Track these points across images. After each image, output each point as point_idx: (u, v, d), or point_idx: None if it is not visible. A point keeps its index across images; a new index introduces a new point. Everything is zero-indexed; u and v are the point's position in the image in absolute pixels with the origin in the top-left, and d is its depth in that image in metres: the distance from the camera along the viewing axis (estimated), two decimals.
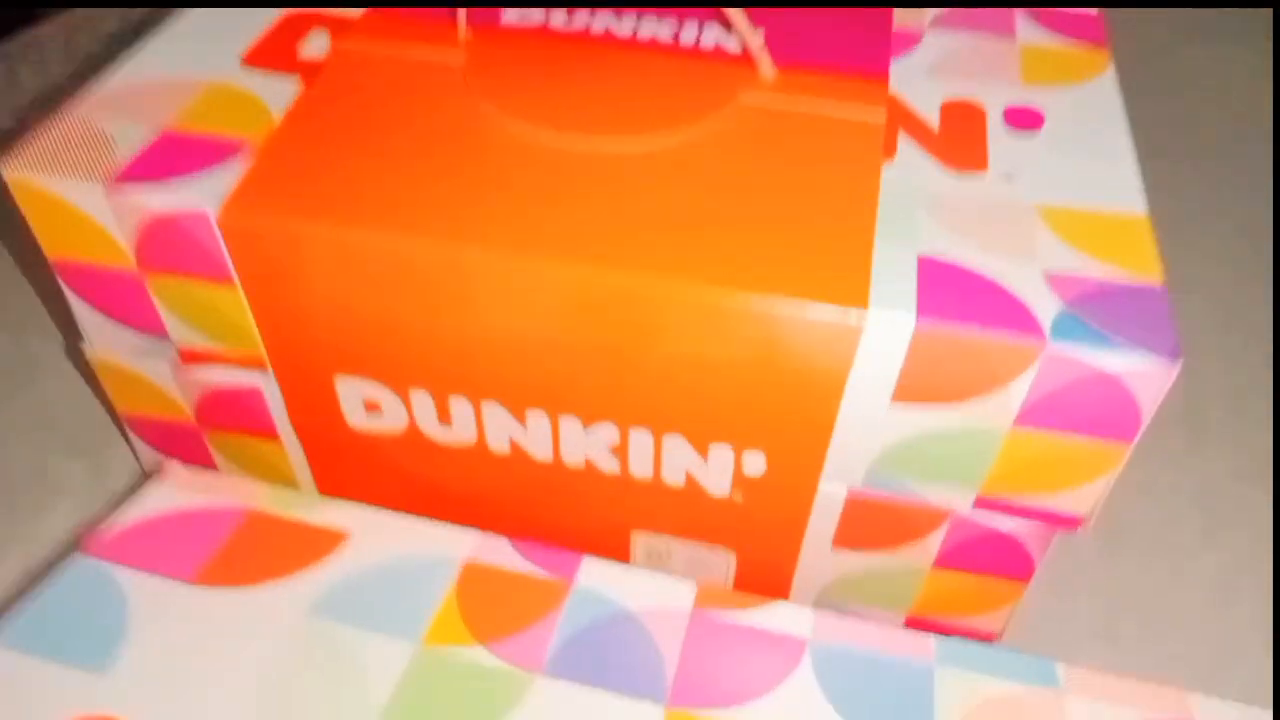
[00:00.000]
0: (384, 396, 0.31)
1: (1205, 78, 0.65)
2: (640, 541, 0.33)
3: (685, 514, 0.31)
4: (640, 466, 0.30)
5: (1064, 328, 0.25)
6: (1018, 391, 0.25)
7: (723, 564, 0.33)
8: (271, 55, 0.32)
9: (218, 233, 0.27)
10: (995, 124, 0.31)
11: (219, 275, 0.29)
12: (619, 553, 0.34)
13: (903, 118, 0.31)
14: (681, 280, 0.25)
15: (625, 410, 0.29)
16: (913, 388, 0.26)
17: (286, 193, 0.27)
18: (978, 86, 0.33)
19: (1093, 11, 0.37)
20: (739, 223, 0.27)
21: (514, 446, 0.31)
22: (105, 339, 0.32)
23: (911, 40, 0.34)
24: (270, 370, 0.31)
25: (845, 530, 0.30)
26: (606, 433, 0.29)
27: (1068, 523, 0.28)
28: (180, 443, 0.36)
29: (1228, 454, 0.42)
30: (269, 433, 0.34)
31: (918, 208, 0.28)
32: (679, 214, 0.27)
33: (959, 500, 0.28)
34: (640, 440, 0.29)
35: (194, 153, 0.28)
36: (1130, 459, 0.42)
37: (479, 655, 0.24)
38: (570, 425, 0.29)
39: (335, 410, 0.32)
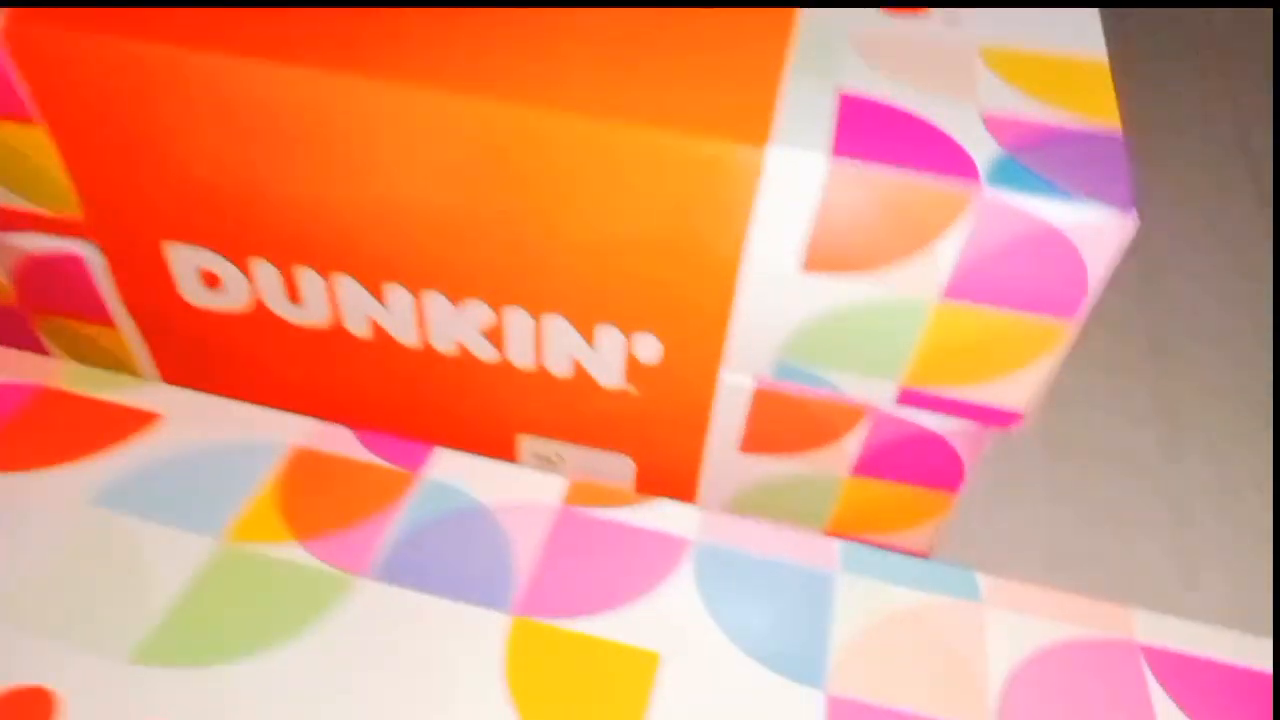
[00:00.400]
0: (222, 268, 0.26)
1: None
2: (527, 446, 0.29)
3: (574, 411, 0.27)
4: (521, 354, 0.26)
5: (1002, 173, 0.21)
6: (946, 254, 0.21)
7: (620, 472, 0.29)
8: None
9: (4, 53, 0.22)
10: None
11: (16, 111, 0.24)
12: (503, 449, 0.30)
13: None
14: (556, 113, 0.21)
15: (496, 286, 0.24)
16: (826, 252, 0.22)
17: (84, 11, 0.22)
18: None
19: None
20: (628, 62, 0.22)
21: (376, 329, 0.27)
22: None
23: None
24: (89, 241, 0.27)
25: (753, 431, 0.26)
26: (478, 312, 0.25)
27: (1004, 419, 0.24)
28: (9, 332, 0.31)
29: (1196, 372, 0.39)
30: (100, 316, 0.29)
31: (846, 47, 0.24)
32: (568, 51, 0.22)
33: (879, 393, 0.24)
34: (518, 322, 0.25)
35: None
36: (1084, 367, 0.39)
37: (293, 553, 0.20)
38: (435, 303, 0.25)
39: (169, 285, 0.27)
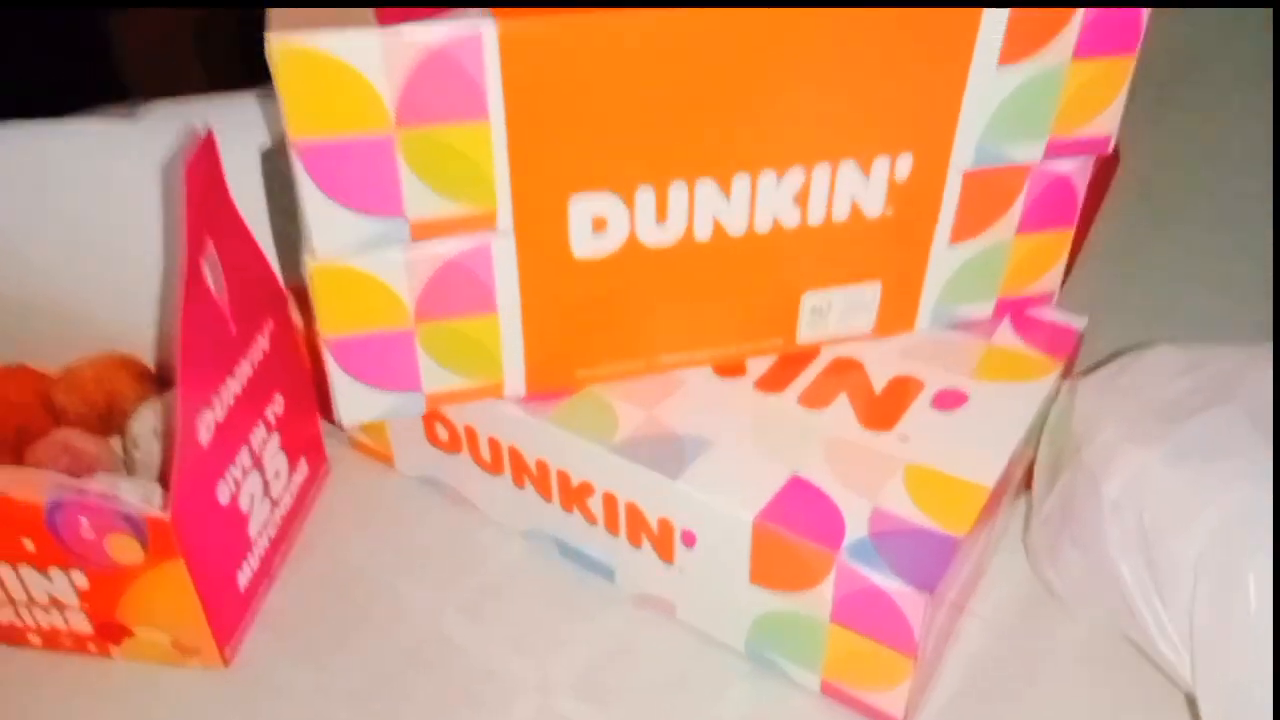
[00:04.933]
0: (612, 208, 0.34)
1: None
2: (807, 303, 0.38)
3: (846, 252, 0.37)
4: (817, 210, 0.36)
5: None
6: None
7: (871, 301, 0.39)
8: None
9: (491, 54, 0.30)
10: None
11: (476, 112, 0.31)
12: (785, 325, 0.38)
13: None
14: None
15: (811, 146, 0.34)
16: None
17: (543, 4, 0.30)
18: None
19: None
20: None
21: (716, 227, 0.35)
22: (334, 238, 0.32)
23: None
24: (498, 228, 0.33)
25: (961, 221, 0.38)
26: (795, 179, 0.35)
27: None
28: (387, 355, 0.35)
29: None
30: (488, 306, 0.35)
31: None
32: None
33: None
34: (820, 178, 0.35)
35: (419, 11, 0.30)
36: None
37: None
38: (767, 181, 0.34)
39: (563, 241, 0.34)
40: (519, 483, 0.39)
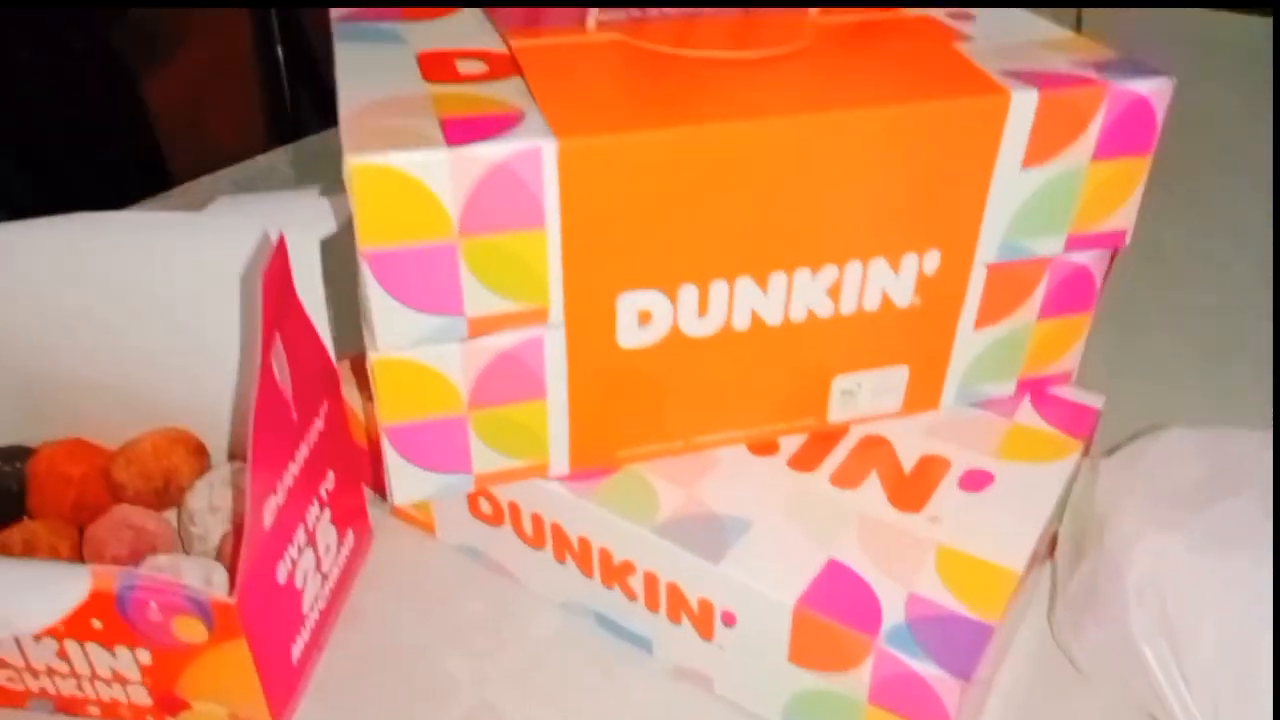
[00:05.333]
0: (656, 304, 0.35)
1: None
2: (838, 385, 0.40)
3: (876, 338, 0.39)
4: (848, 301, 0.37)
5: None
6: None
7: (898, 383, 0.41)
8: (445, 73, 0.36)
9: (549, 169, 0.31)
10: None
11: (533, 221, 0.32)
12: (816, 406, 0.40)
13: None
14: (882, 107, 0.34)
15: (844, 246, 0.36)
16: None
17: (602, 119, 0.32)
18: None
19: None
20: (870, 82, 0.36)
21: (754, 318, 0.37)
22: (397, 333, 0.33)
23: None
24: (549, 322, 0.35)
25: (985, 308, 0.39)
26: (828, 275, 0.37)
27: None
28: (441, 439, 0.36)
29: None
30: (536, 393, 0.36)
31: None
32: (822, 82, 0.36)
33: None
34: (852, 273, 0.37)
35: (488, 124, 0.32)
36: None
37: None
38: (802, 277, 0.36)
39: (610, 333, 0.35)
40: (560, 558, 0.40)
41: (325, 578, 0.40)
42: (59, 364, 0.43)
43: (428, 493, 0.38)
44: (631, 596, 0.39)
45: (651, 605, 0.38)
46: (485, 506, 0.42)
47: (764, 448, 0.41)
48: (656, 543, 0.36)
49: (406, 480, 0.37)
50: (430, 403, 0.36)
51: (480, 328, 0.34)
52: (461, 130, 0.32)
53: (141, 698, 0.36)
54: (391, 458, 0.37)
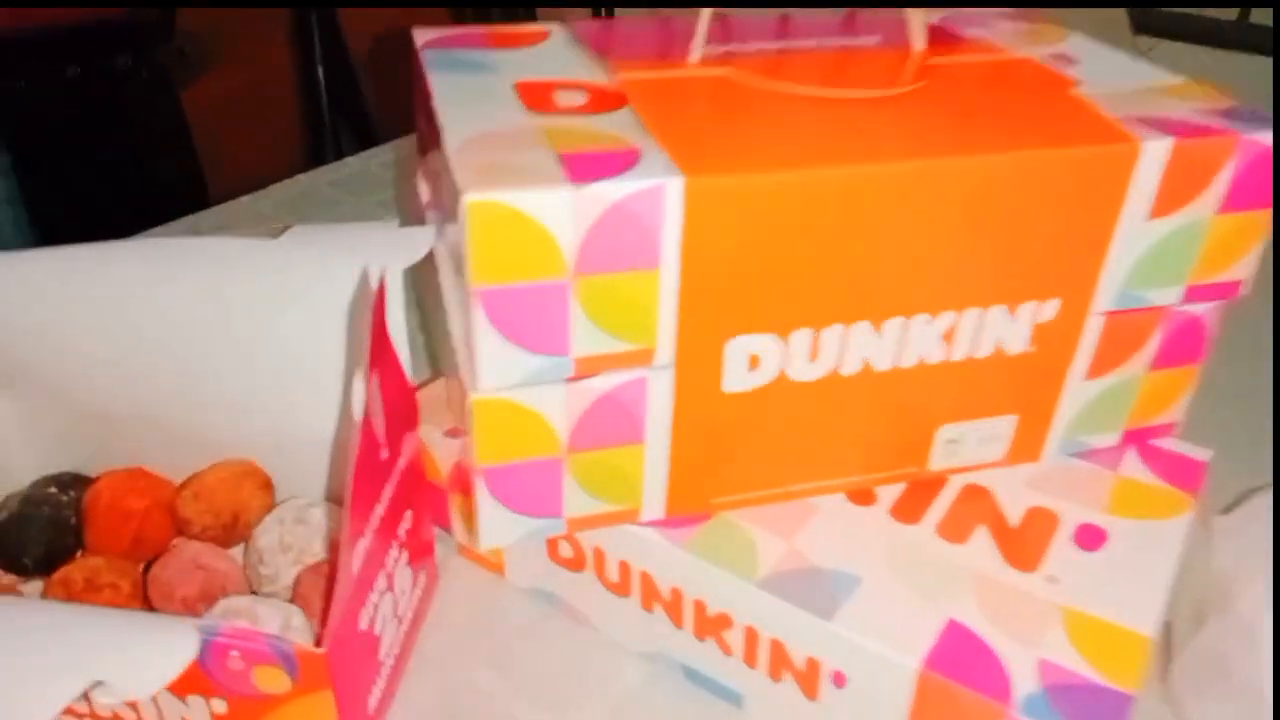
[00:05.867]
0: (767, 348, 0.34)
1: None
2: (943, 435, 0.38)
3: (985, 386, 0.37)
4: (961, 347, 0.36)
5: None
6: None
7: (1005, 433, 0.39)
8: (547, 103, 0.35)
9: (673, 208, 0.30)
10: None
11: (650, 261, 0.31)
12: (918, 455, 0.38)
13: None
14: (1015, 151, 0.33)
15: (965, 292, 0.35)
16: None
17: (726, 159, 0.31)
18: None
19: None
20: (996, 127, 0.35)
21: (864, 366, 0.35)
22: (501, 373, 0.32)
23: None
24: (655, 364, 0.33)
25: (1098, 358, 0.38)
26: (945, 321, 0.35)
27: None
28: (536, 483, 0.35)
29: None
30: (635, 437, 0.35)
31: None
32: (946, 125, 0.34)
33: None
34: (969, 320, 0.35)
35: (608, 161, 0.31)
36: None
37: None
38: (918, 323, 0.35)
39: (716, 377, 0.34)
40: (647, 607, 0.39)
41: (400, 622, 0.39)
42: (119, 391, 0.42)
43: (516, 537, 0.36)
44: (726, 651, 0.37)
45: (749, 661, 0.36)
46: (566, 550, 0.40)
47: (861, 496, 0.39)
48: (760, 597, 0.35)
49: (497, 524, 0.36)
50: (528, 445, 0.34)
51: (585, 368, 0.33)
52: (583, 167, 0.30)
53: None
54: (484, 500, 0.35)
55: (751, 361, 0.34)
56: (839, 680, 0.34)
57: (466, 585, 0.44)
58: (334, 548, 0.39)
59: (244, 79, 0.94)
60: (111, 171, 0.81)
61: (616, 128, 0.33)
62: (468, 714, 0.38)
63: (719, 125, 0.33)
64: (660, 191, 0.30)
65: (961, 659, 0.32)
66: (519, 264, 0.30)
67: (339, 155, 0.90)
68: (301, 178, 0.84)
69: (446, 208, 0.35)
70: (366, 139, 0.95)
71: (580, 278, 0.31)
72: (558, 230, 0.30)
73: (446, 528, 0.45)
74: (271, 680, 0.32)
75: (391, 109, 1.03)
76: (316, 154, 0.97)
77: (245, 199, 0.79)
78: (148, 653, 0.27)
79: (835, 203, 0.32)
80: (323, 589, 0.35)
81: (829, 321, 0.34)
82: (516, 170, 0.30)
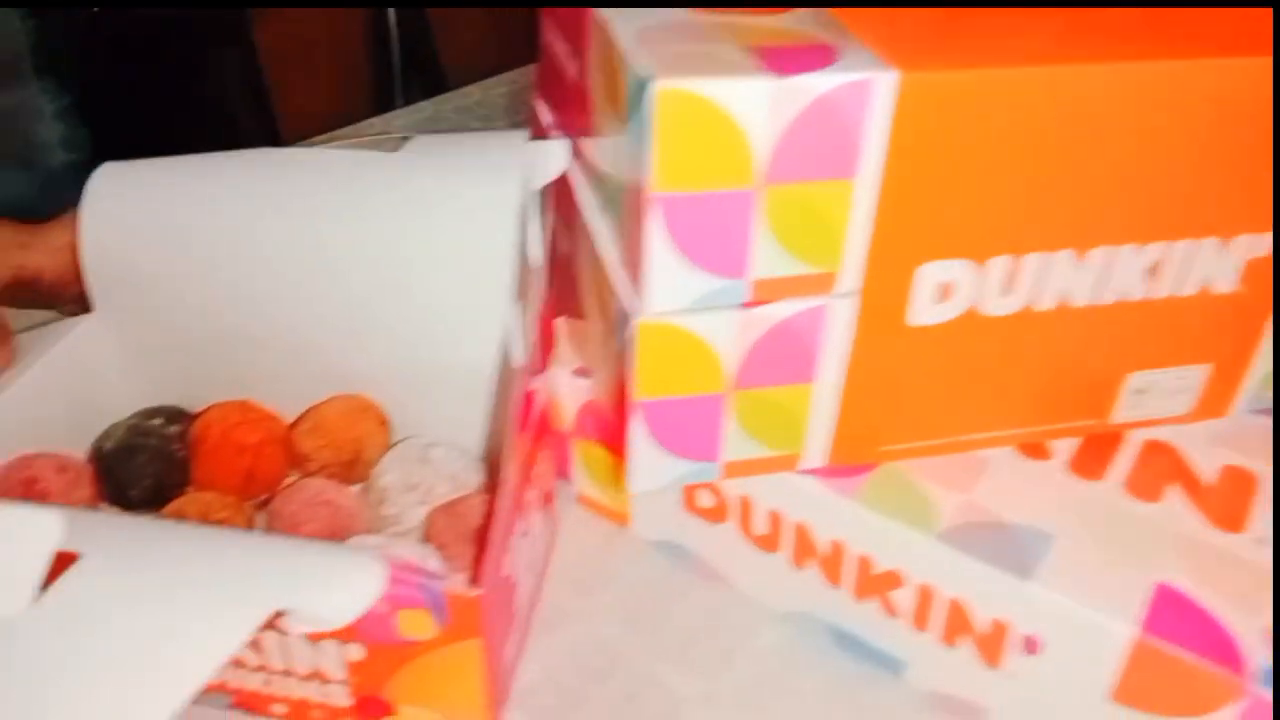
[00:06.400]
0: (961, 276, 0.30)
1: None
2: (1132, 383, 0.35)
3: (1184, 330, 0.33)
4: (1166, 284, 0.32)
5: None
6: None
7: (1195, 384, 0.35)
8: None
9: (880, 107, 0.27)
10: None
11: (846, 170, 0.28)
12: (1102, 405, 0.35)
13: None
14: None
15: (1181, 220, 0.31)
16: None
17: (938, 55, 0.27)
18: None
19: None
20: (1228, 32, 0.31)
21: (1060, 302, 0.32)
22: (670, 295, 0.29)
23: None
24: (836, 291, 0.30)
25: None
26: (1153, 253, 0.31)
27: None
28: (696, 422, 0.32)
29: None
30: (806, 375, 0.31)
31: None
32: (1181, 25, 0.30)
33: None
34: (1179, 253, 0.32)
35: (805, 55, 0.28)
36: None
37: None
38: (1126, 254, 0.31)
39: (901, 308, 0.30)
40: (798, 563, 0.35)
41: (531, 571, 0.36)
42: (228, 313, 0.39)
43: (668, 481, 0.33)
44: (890, 613, 0.34)
45: (918, 623, 0.33)
46: (706, 500, 0.37)
47: (1033, 450, 0.35)
48: (941, 552, 0.31)
49: (649, 466, 0.32)
50: (691, 379, 0.31)
51: (762, 294, 0.30)
52: (778, 60, 0.27)
53: (339, 698, 0.32)
54: (638, 439, 0.32)
55: (942, 291, 0.31)
56: (1030, 646, 0.31)
57: (589, 537, 0.41)
58: (466, 488, 0.36)
59: (310, 23, 0.91)
60: (178, 110, 0.79)
61: (804, 24, 0.30)
62: (605, 673, 0.35)
63: (917, 24, 0.30)
64: (868, 87, 0.27)
65: (1181, 625, 0.29)
66: (706, 168, 0.27)
67: (408, 101, 0.86)
68: (375, 120, 0.81)
69: (597, 121, 0.31)
70: (437, 86, 0.91)
71: (770, 187, 0.28)
72: (752, 129, 0.27)
73: (564, 476, 0.42)
74: (416, 626, 0.29)
75: (458, 57, 0.99)
76: (384, 101, 0.94)
77: (318, 140, 0.77)
78: (335, 582, 0.25)
79: (1055, 107, 0.28)
80: (460, 531, 0.33)
81: (1031, 248, 0.30)
82: (706, 59, 0.27)
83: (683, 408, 0.31)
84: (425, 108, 0.83)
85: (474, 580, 0.28)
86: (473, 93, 0.84)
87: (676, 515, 0.38)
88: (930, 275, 0.30)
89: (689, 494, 0.37)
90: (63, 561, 0.23)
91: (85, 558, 0.23)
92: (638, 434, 0.32)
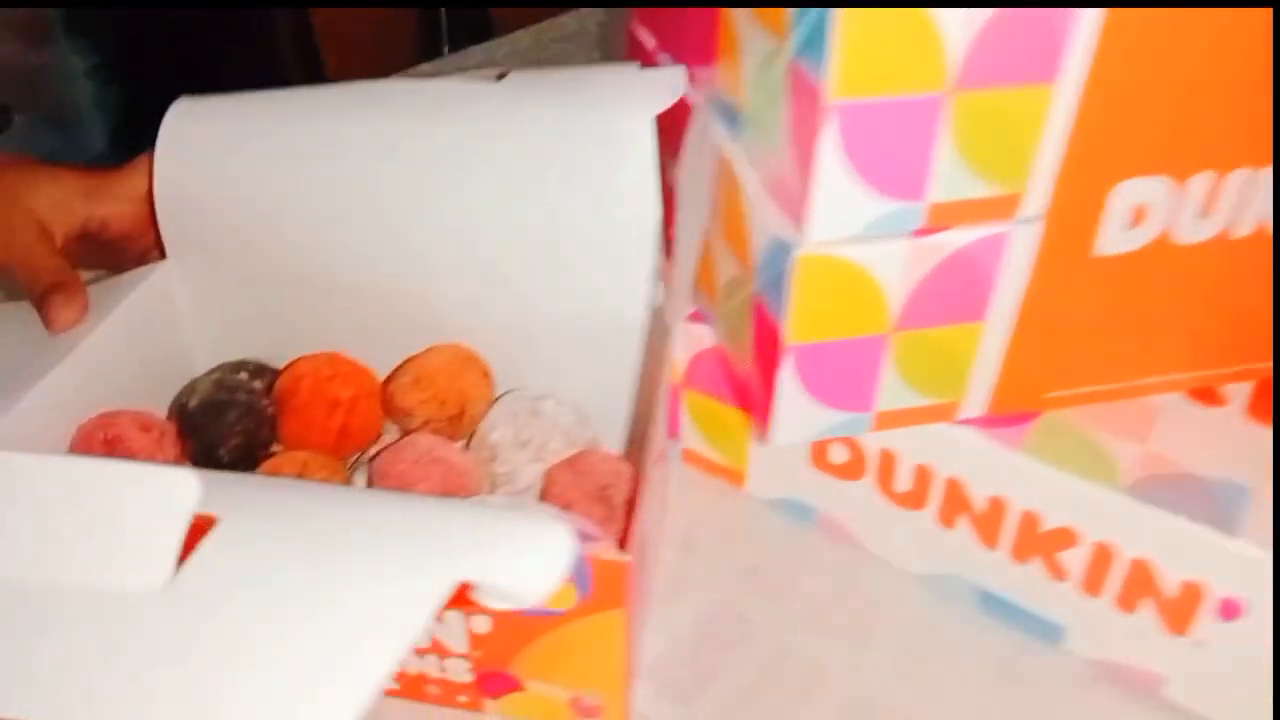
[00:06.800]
0: (1159, 197, 0.27)
1: None
2: None
3: None
4: None
5: None
6: None
7: None
8: None
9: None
10: None
11: (1045, 73, 0.24)
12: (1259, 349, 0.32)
13: None
14: None
15: None
16: None
17: None
18: None
19: None
20: None
21: (1258, 228, 0.28)
22: (838, 220, 0.25)
23: None
24: (1020, 216, 0.26)
25: None
26: None
27: None
28: (852, 367, 0.28)
29: None
30: (975, 312, 0.28)
31: None
32: None
33: None
34: None
35: None
36: None
37: None
38: None
39: (1090, 234, 0.27)
40: (946, 522, 0.32)
41: (653, 535, 0.33)
42: (317, 258, 0.35)
43: (814, 434, 0.30)
44: (1057, 575, 0.31)
45: (1090, 587, 0.30)
46: (839, 455, 0.34)
47: (1205, 395, 0.32)
48: (1127, 508, 0.28)
49: (796, 417, 0.29)
50: (853, 319, 0.28)
51: (938, 219, 0.26)
52: None
53: (460, 674, 0.29)
54: (787, 387, 0.29)
55: (1135, 215, 0.27)
56: (1228, 611, 0.28)
57: (700, 497, 0.38)
58: (579, 445, 0.33)
59: None
60: (225, 59, 0.76)
61: None
62: (736, 643, 0.33)
63: None
64: None
65: None
66: (892, 70, 0.23)
67: (454, 49, 0.82)
68: (425, 66, 0.77)
69: (742, 35, 0.28)
70: (484, 32, 0.87)
71: (960, 93, 0.24)
72: (947, 29, 0.23)
73: (671, 434, 0.39)
74: (555, 596, 0.27)
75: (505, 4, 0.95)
76: (431, 49, 0.90)
77: None
78: (525, 551, 0.22)
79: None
80: (587, 489, 0.30)
81: (1237, 163, 0.27)
82: None
83: (839, 352, 0.28)
84: (475, 53, 0.79)
85: (621, 544, 0.25)
86: (522, 38, 0.80)
87: (802, 472, 0.35)
88: (1125, 195, 0.27)
89: (818, 450, 0.34)
90: (195, 529, 0.20)
91: (224, 522, 0.20)
92: (787, 382, 0.29)
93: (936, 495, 0.32)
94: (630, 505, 0.29)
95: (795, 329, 0.27)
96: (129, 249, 0.39)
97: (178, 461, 0.33)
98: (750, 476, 0.37)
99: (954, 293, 0.28)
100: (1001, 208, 0.26)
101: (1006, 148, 0.25)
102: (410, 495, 0.28)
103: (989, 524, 0.31)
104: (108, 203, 0.37)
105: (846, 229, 0.26)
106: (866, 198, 0.25)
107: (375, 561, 0.20)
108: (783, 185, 0.27)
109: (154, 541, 0.19)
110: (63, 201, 0.36)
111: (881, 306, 0.28)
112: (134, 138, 0.37)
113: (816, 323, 0.27)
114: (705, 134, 0.31)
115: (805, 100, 0.25)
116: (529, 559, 0.21)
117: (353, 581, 0.19)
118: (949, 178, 0.25)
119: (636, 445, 0.32)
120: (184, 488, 0.20)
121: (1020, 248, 0.27)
